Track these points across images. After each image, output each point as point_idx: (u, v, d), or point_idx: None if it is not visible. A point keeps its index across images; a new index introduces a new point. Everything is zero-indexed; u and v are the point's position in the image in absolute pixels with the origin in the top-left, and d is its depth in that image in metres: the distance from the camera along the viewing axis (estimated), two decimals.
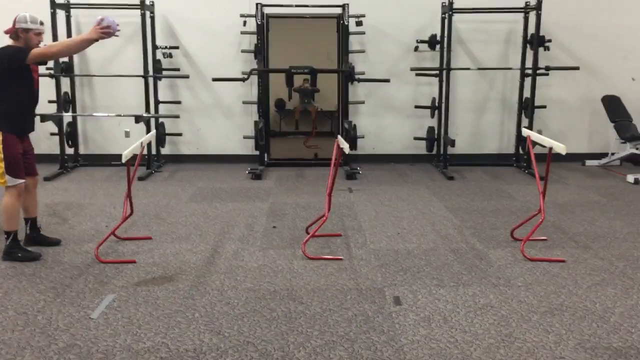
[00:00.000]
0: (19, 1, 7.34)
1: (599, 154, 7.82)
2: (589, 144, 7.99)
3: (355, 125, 7.29)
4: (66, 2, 7.10)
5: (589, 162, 7.72)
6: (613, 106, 7.55)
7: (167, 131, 7.59)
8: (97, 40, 3.90)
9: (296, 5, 7.23)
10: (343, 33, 7.25)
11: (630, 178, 6.67)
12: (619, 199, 5.91)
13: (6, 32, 4.01)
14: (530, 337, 2.95)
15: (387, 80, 7.34)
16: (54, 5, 6.91)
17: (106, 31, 3.90)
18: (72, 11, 7.29)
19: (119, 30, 3.97)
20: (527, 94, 7.35)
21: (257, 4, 7.10)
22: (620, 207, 5.58)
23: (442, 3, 7.25)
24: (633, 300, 3.40)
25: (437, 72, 7.43)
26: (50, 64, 7.00)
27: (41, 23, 4.04)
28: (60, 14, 7.12)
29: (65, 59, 7.27)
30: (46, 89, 7.17)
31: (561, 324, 3.09)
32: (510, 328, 3.04)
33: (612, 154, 7.62)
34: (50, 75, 6.99)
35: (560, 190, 6.25)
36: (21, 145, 4.06)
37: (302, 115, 9.36)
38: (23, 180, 4.04)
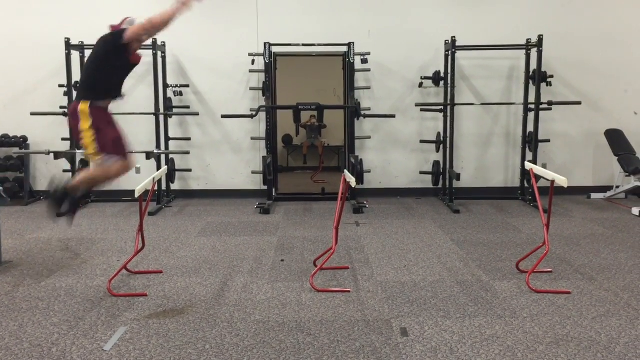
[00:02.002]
0: (34, 41, 7.64)
1: (604, 187, 7.89)
2: (593, 177, 8.06)
3: (361, 160, 7.41)
4: (80, 43, 7.33)
5: (594, 195, 7.78)
6: (616, 140, 7.64)
7: (177, 167, 7.74)
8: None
9: (303, 44, 7.43)
10: (349, 70, 7.42)
11: (635, 211, 6.71)
12: (624, 231, 5.96)
13: (111, 29, 4.15)
14: None
15: (393, 116, 7.51)
16: (68, 47, 7.14)
17: None
18: (86, 52, 7.51)
19: None
20: (530, 128, 7.47)
21: (265, 43, 7.31)
22: (625, 239, 5.63)
23: (445, 41, 7.44)
24: (638, 331, 3.43)
25: (442, 107, 7.57)
26: (64, 102, 7.22)
27: None
28: (75, 55, 7.35)
29: None
30: (59, 127, 7.39)
31: (567, 354, 3.12)
32: (516, 358, 3.07)
33: (617, 187, 7.68)
34: (64, 114, 7.17)
35: (566, 223, 6.30)
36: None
37: (309, 150, 9.50)
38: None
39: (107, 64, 4.10)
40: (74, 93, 7.31)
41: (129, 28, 4.01)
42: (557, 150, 7.94)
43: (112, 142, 4.08)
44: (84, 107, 4.01)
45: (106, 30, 4.16)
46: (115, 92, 4.23)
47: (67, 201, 4.09)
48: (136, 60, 4.20)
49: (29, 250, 5.28)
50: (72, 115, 4.09)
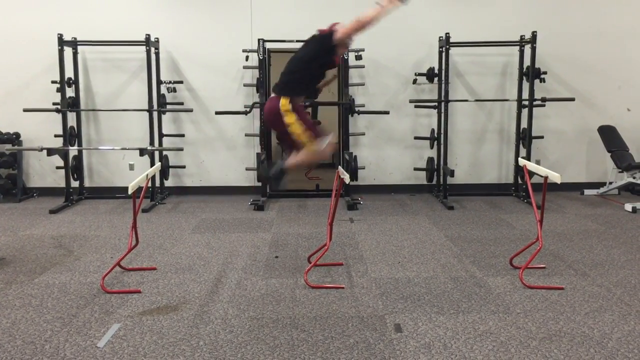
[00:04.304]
0: (27, 37, 7.60)
1: (597, 184, 7.92)
2: (587, 174, 8.09)
3: (355, 156, 7.40)
4: (73, 39, 7.29)
5: (587, 192, 7.81)
6: (609, 136, 7.67)
7: (170, 164, 7.71)
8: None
9: (297, 41, 7.39)
10: (343, 66, 7.42)
11: (628, 207, 6.74)
12: (616, 227, 5.98)
13: (320, 32, 4.25)
14: None
15: (387, 113, 7.50)
16: (61, 43, 7.09)
17: None
18: (79, 48, 7.49)
19: None
20: (524, 124, 7.48)
21: (259, 40, 7.29)
22: (618, 235, 5.65)
23: (439, 37, 7.44)
24: (630, 326, 3.45)
25: (436, 103, 7.58)
26: (57, 98, 7.19)
27: None
28: (68, 51, 7.31)
29: (72, 94, 7.44)
30: (52, 124, 7.36)
31: (559, 349, 3.14)
32: (510, 354, 3.09)
33: (610, 183, 7.71)
34: (57, 110, 7.14)
35: (559, 219, 6.32)
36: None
37: None
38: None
39: (315, 63, 4.16)
40: (67, 90, 7.29)
41: (338, 30, 4.08)
42: (551, 147, 7.96)
43: (317, 128, 4.18)
44: (285, 102, 4.09)
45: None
46: (312, 91, 4.34)
47: (279, 175, 4.25)
48: (337, 63, 4.28)
49: (22, 247, 5.26)
50: (271, 111, 4.15)
